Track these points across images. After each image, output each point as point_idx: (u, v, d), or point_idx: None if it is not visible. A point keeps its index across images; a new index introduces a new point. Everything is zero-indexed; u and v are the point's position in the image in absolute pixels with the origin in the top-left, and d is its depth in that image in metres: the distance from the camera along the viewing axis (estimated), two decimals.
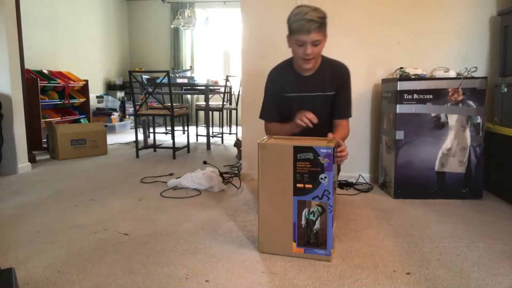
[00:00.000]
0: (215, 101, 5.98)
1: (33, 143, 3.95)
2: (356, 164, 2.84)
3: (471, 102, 2.33)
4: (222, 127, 5.32)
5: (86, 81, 5.37)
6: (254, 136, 2.94)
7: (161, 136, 5.50)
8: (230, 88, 5.11)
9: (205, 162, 3.35)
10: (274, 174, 1.56)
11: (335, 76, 1.99)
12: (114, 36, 6.95)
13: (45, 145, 4.18)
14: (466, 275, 1.43)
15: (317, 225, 1.53)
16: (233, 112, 5.60)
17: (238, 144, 3.78)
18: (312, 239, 1.55)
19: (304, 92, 2.00)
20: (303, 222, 1.55)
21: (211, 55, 7.32)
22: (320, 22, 1.78)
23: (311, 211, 1.53)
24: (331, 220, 1.52)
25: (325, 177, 1.50)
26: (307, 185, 1.52)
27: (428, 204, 2.31)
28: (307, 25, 1.76)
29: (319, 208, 1.52)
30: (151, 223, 1.99)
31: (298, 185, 1.53)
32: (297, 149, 1.52)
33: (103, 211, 2.18)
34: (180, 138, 5.30)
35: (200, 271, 1.47)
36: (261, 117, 2.12)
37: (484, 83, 2.32)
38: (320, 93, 2.00)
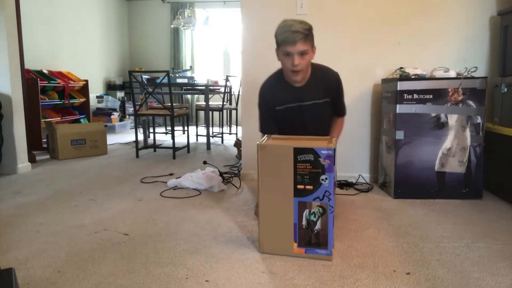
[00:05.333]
0: (215, 101, 5.99)
1: (33, 143, 3.95)
2: (356, 164, 2.84)
3: (471, 102, 2.33)
4: (222, 127, 5.32)
5: (86, 81, 5.37)
6: (254, 136, 2.93)
7: (161, 136, 5.50)
8: (230, 88, 5.11)
9: (205, 162, 3.35)
10: (274, 175, 1.55)
11: (328, 83, 2.03)
12: (114, 36, 6.95)
13: (45, 145, 4.18)
14: (466, 275, 1.43)
15: (318, 226, 1.53)
16: (233, 112, 5.60)
17: (238, 144, 3.78)
18: (313, 239, 1.55)
19: (299, 102, 2.01)
20: (304, 222, 1.55)
21: (211, 55, 7.32)
22: (305, 33, 1.82)
23: (312, 212, 1.53)
24: (332, 220, 1.52)
25: (326, 178, 1.50)
26: (307, 186, 1.52)
27: (428, 204, 2.31)
28: (292, 36, 1.80)
29: (320, 209, 1.52)
30: (151, 223, 1.99)
31: (299, 186, 1.53)
32: (298, 151, 1.50)
33: (103, 211, 2.18)
34: (180, 138, 5.30)
35: (200, 271, 1.47)
36: (261, 131, 2.12)
37: (484, 83, 2.32)
38: (315, 101, 2.02)
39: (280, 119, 2.07)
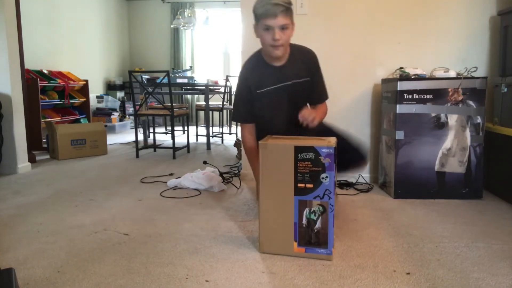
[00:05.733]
0: (215, 101, 5.99)
1: (33, 143, 3.95)
2: None
3: (471, 102, 2.33)
4: (222, 127, 5.32)
5: (86, 81, 5.37)
6: None
7: (161, 136, 5.50)
8: (230, 88, 5.11)
9: (205, 162, 3.35)
10: (275, 174, 1.56)
11: (307, 62, 2.00)
12: (114, 36, 6.95)
13: (45, 145, 4.18)
14: (466, 275, 1.43)
15: (318, 225, 1.53)
16: None
17: (238, 144, 3.78)
18: (313, 238, 1.55)
19: (280, 83, 1.97)
20: (304, 221, 1.55)
21: (211, 55, 7.32)
22: (286, 6, 1.78)
23: (312, 210, 1.53)
24: (332, 219, 1.52)
25: (327, 177, 1.50)
26: (308, 185, 1.52)
27: (428, 204, 2.31)
28: (273, 8, 1.76)
29: (320, 208, 1.52)
30: (151, 223, 1.99)
31: (299, 184, 1.53)
32: (298, 149, 1.51)
33: (103, 211, 2.18)
34: (180, 138, 5.30)
35: (200, 271, 1.47)
36: (235, 119, 2.10)
37: (484, 83, 2.32)
38: (296, 81, 1.98)
39: (260, 103, 2.01)
